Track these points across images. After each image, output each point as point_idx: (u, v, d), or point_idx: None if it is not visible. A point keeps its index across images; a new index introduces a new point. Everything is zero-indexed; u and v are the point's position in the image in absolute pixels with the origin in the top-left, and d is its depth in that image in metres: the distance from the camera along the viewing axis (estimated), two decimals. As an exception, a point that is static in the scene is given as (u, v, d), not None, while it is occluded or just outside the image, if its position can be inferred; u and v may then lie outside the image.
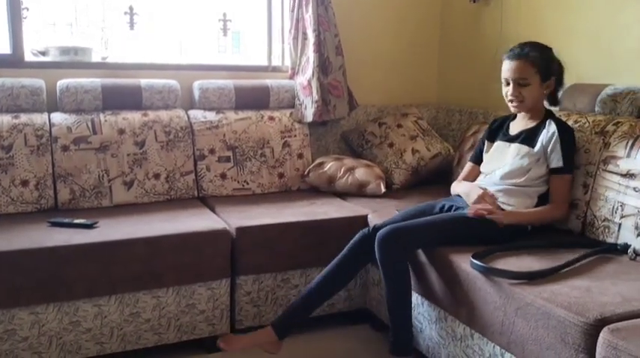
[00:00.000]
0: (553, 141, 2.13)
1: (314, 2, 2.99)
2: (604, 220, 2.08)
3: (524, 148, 2.17)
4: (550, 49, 2.21)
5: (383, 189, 2.83)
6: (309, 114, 3.04)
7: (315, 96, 3.01)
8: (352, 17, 3.28)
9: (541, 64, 2.14)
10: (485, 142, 2.38)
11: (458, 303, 1.94)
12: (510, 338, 1.70)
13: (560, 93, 2.31)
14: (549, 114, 2.22)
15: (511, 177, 2.18)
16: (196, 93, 2.94)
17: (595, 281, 1.71)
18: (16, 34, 2.71)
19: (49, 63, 2.81)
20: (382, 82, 3.47)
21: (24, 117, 2.53)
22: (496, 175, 2.22)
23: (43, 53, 2.86)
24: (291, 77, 3.19)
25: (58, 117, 2.61)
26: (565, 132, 2.14)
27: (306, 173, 2.96)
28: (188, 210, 2.54)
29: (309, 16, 3.01)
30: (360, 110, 3.30)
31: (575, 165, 2.19)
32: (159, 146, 2.70)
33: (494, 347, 1.80)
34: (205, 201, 2.75)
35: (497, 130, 2.36)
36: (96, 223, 2.27)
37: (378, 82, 3.46)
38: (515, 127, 2.27)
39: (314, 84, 3.01)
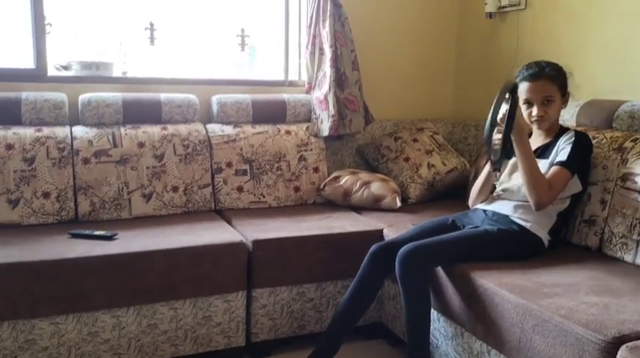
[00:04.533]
0: (566, 142, 2.13)
1: (331, 19, 3.03)
2: (622, 237, 2.07)
3: (541, 161, 2.16)
4: (561, 66, 2.22)
5: (398, 204, 2.84)
6: (325, 129, 3.07)
7: (332, 110, 3.03)
8: (369, 33, 3.31)
9: (559, 79, 2.16)
10: None
11: (474, 319, 1.94)
12: (527, 355, 1.69)
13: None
14: (565, 129, 2.23)
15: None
16: (214, 108, 2.99)
17: (613, 298, 1.70)
18: (39, 49, 2.78)
19: (72, 77, 2.87)
20: (398, 96, 3.49)
21: (46, 131, 2.58)
22: (514, 191, 2.21)
23: (66, 68, 2.91)
24: (308, 91, 3.22)
25: (79, 130, 2.66)
26: (582, 138, 2.15)
27: (321, 187, 2.97)
28: (205, 222, 2.56)
29: (326, 32, 3.05)
30: (376, 124, 3.32)
31: (587, 177, 2.18)
32: (177, 159, 2.74)
33: (510, 363, 1.80)
34: (222, 213, 2.77)
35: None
36: (115, 235, 2.30)
37: (394, 96, 3.48)
38: (532, 144, 2.27)
39: (330, 98, 3.04)
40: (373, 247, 2.23)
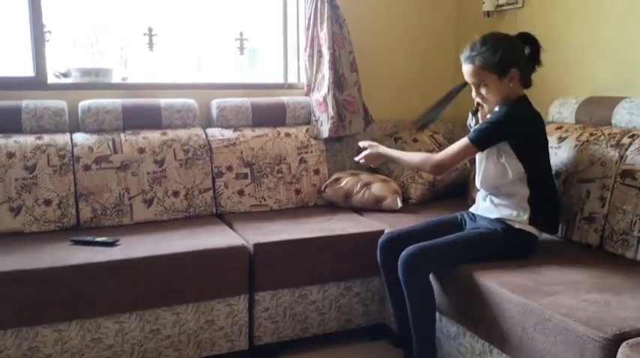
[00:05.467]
0: (491, 116, 2.10)
1: (329, 21, 3.03)
2: (622, 233, 2.07)
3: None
4: (505, 39, 2.09)
5: (399, 204, 2.84)
6: (325, 130, 3.07)
7: (331, 112, 3.04)
8: (367, 34, 3.31)
9: (492, 62, 2.04)
10: None
11: (476, 319, 1.94)
12: (529, 353, 1.70)
13: (533, 73, 2.17)
14: (518, 100, 2.11)
15: (489, 183, 2.17)
16: (214, 112, 2.99)
17: (614, 296, 1.70)
18: (39, 57, 2.79)
19: (71, 84, 2.88)
20: (397, 97, 3.49)
21: (47, 138, 2.59)
22: (480, 184, 2.21)
23: (65, 75, 2.92)
24: (307, 94, 3.22)
25: (79, 137, 2.67)
26: (503, 114, 2.06)
27: (322, 188, 2.98)
28: (206, 226, 2.57)
29: (324, 34, 3.05)
30: (376, 125, 3.32)
31: (532, 157, 2.08)
32: (178, 164, 2.74)
33: (513, 362, 1.80)
34: (223, 217, 2.78)
35: None
36: (117, 241, 2.31)
37: (393, 97, 3.48)
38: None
39: (329, 100, 3.05)
40: (381, 239, 2.26)
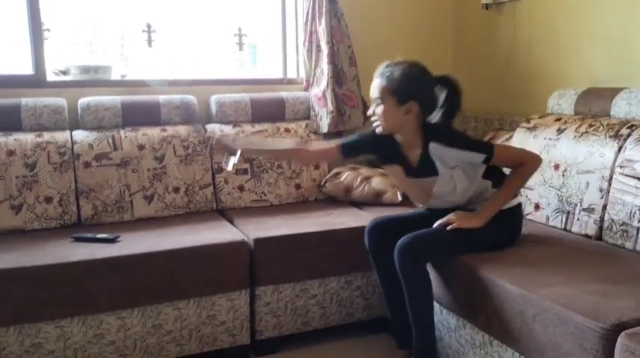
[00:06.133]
0: (455, 154, 2.01)
1: (327, 15, 3.03)
2: (622, 224, 2.07)
3: (433, 179, 2.08)
4: (420, 73, 2.06)
5: (399, 198, 2.84)
6: (324, 125, 3.07)
7: (330, 107, 3.04)
8: (365, 28, 3.31)
9: (397, 85, 2.01)
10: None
11: (476, 311, 1.94)
12: (529, 344, 1.70)
13: (436, 119, 2.09)
14: (429, 137, 2.05)
15: (445, 198, 2.14)
16: (213, 108, 3.00)
17: (613, 286, 1.71)
18: (38, 55, 2.79)
19: (71, 82, 2.88)
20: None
21: (47, 136, 2.60)
22: (440, 201, 2.16)
23: (64, 72, 2.93)
24: (306, 89, 3.22)
25: (79, 134, 2.68)
26: (447, 139, 2.01)
27: (322, 183, 2.98)
28: (207, 222, 2.58)
29: (322, 29, 3.05)
30: (375, 119, 3.32)
31: (486, 143, 2.07)
32: (178, 160, 2.75)
33: (513, 353, 1.80)
34: (224, 213, 2.79)
35: (389, 151, 2.18)
36: (118, 237, 2.32)
37: (392, 91, 3.47)
38: (410, 158, 2.14)
39: (329, 95, 3.05)
40: (369, 225, 2.27)
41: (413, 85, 2.03)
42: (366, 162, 3.25)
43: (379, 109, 2.07)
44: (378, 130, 2.12)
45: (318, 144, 2.38)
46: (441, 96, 2.11)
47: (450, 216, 2.06)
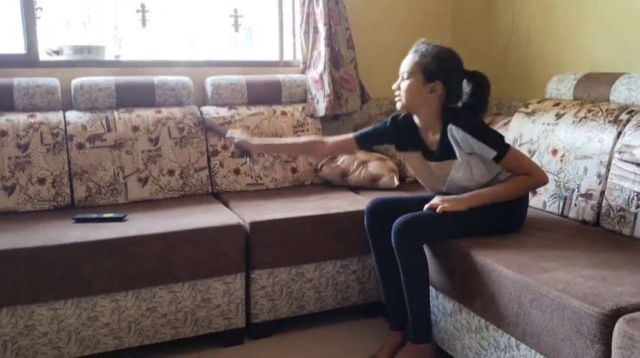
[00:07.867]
0: (470, 142, 2.00)
1: (324, -4, 2.99)
2: (620, 210, 2.07)
3: (452, 162, 2.08)
4: (452, 59, 2.09)
5: (396, 182, 2.83)
6: (321, 109, 3.05)
7: (327, 90, 3.01)
8: (363, 10, 3.27)
9: (428, 62, 2.04)
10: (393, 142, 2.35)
11: (472, 295, 1.94)
12: (525, 329, 1.70)
13: (459, 104, 2.12)
14: (447, 120, 2.07)
15: (460, 184, 2.12)
16: (209, 90, 2.96)
17: (611, 271, 1.70)
18: (30, 35, 2.74)
19: (64, 62, 2.84)
20: (394, 74, 3.43)
21: (40, 116, 2.56)
22: (446, 187, 2.16)
23: (57, 52, 2.89)
24: (303, 71, 3.19)
25: (72, 115, 2.64)
26: (466, 125, 2.01)
27: (319, 167, 2.96)
28: (202, 205, 2.56)
29: (319, 10, 3.01)
30: (372, 103, 3.30)
31: (504, 141, 2.03)
32: (172, 143, 2.72)
33: (509, 338, 1.80)
34: (219, 196, 2.77)
35: (408, 137, 2.22)
36: (125, 216, 2.32)
37: (389, 75, 3.41)
38: (428, 143, 2.17)
39: (326, 78, 3.01)
40: (369, 205, 2.26)
41: (442, 66, 2.06)
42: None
43: (404, 84, 2.10)
44: (398, 105, 2.15)
45: (333, 138, 2.39)
46: (467, 90, 2.12)
47: (435, 200, 2.06)
